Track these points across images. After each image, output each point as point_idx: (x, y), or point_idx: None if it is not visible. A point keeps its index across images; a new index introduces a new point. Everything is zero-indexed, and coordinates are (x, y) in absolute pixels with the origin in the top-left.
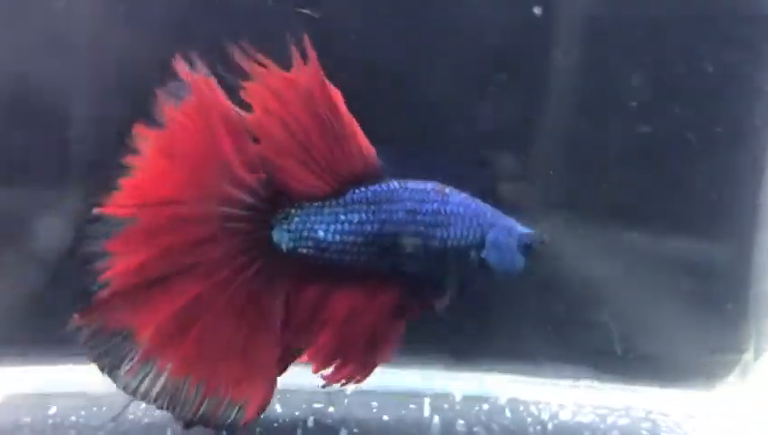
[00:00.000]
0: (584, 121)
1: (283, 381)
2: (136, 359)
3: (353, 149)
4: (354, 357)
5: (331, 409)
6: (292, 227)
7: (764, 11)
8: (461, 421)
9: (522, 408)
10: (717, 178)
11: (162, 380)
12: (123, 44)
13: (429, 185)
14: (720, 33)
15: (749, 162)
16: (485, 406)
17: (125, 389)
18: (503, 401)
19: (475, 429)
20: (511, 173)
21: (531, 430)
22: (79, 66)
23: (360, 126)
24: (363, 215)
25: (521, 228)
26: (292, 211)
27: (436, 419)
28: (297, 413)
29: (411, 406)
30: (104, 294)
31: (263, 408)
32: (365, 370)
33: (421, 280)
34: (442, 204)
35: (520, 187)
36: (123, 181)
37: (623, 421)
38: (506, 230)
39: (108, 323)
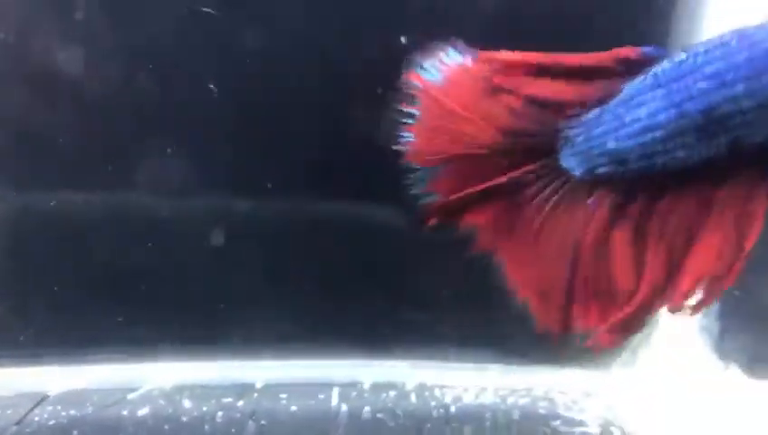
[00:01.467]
0: None
1: (192, 376)
2: None
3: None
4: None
5: (240, 403)
6: (577, 148)
7: None
8: (367, 408)
9: (427, 393)
10: None
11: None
12: None
13: (721, 37)
14: None
15: None
16: (392, 393)
17: None
18: (409, 386)
19: (378, 415)
20: None
21: (434, 413)
22: None
23: None
24: (650, 104)
25: None
26: (572, 131)
27: (344, 407)
28: (205, 408)
29: (320, 396)
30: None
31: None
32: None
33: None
34: (748, 48)
35: None
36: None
37: (523, 401)
38: None
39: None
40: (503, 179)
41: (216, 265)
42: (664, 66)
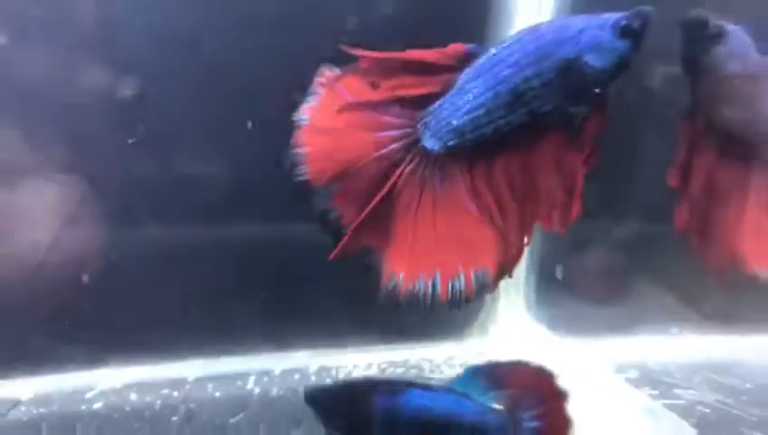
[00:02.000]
0: None
1: (137, 376)
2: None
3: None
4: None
5: (174, 393)
6: (432, 130)
7: None
8: (275, 389)
9: (324, 373)
10: None
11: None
12: None
13: (518, 34)
14: None
15: None
16: (297, 376)
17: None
18: (312, 369)
19: (281, 392)
20: None
21: None
22: None
23: None
24: (474, 90)
25: (612, 17)
26: (427, 118)
27: (257, 390)
28: (147, 399)
29: (238, 383)
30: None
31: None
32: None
33: (559, 118)
34: (535, 40)
35: None
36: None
37: (399, 370)
38: (596, 27)
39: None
40: (386, 179)
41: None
42: (481, 60)
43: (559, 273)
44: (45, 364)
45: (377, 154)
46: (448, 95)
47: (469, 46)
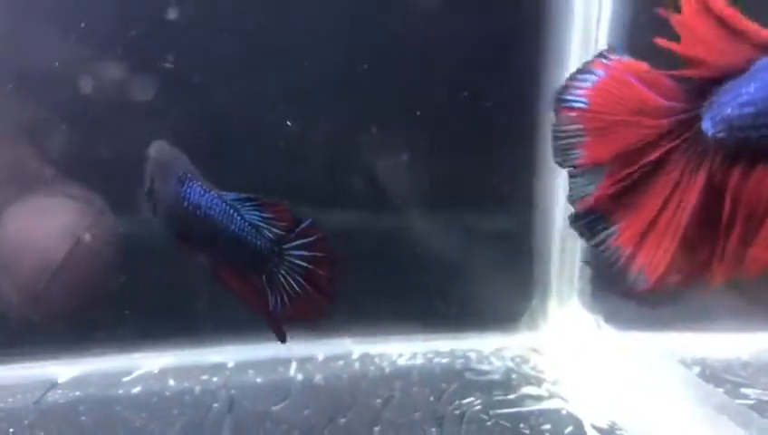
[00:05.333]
0: None
1: (175, 361)
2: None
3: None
4: None
5: (215, 378)
6: (711, 114)
7: None
8: (319, 376)
9: (368, 361)
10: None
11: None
12: None
13: None
14: None
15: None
16: (341, 362)
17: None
18: (355, 356)
19: (324, 379)
20: None
21: (371, 374)
22: None
23: None
24: (756, 83)
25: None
26: (713, 99)
27: (300, 376)
28: (186, 384)
29: (280, 369)
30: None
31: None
32: None
33: None
34: None
35: None
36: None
37: (445, 360)
38: None
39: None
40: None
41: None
42: None
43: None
44: (84, 348)
45: (653, 139)
46: (737, 80)
47: None
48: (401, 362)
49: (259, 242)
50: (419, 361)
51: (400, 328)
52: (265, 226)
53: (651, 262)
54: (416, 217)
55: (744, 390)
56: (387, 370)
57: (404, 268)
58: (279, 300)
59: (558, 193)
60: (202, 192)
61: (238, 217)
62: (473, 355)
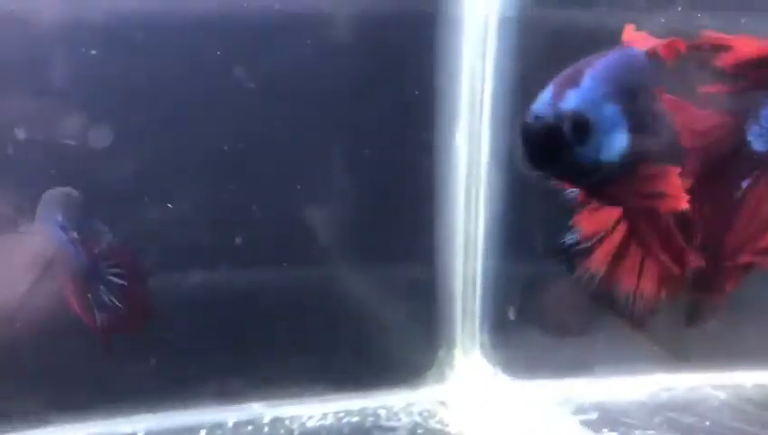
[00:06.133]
0: None
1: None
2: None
3: None
4: None
5: None
6: (760, 124)
7: None
8: None
9: (278, 424)
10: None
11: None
12: None
13: None
14: None
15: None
16: (250, 427)
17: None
18: (266, 420)
19: None
20: None
21: None
22: None
23: None
24: None
25: None
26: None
27: None
28: None
29: None
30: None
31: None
32: None
33: None
34: None
35: None
36: None
37: (355, 419)
38: None
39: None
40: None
41: None
42: None
43: (511, 314)
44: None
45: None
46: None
47: None
48: (311, 423)
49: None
50: (329, 421)
51: (312, 388)
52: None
53: None
54: (323, 273)
55: (636, 432)
56: (295, 432)
57: (314, 326)
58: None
59: (457, 250)
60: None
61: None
62: (382, 412)
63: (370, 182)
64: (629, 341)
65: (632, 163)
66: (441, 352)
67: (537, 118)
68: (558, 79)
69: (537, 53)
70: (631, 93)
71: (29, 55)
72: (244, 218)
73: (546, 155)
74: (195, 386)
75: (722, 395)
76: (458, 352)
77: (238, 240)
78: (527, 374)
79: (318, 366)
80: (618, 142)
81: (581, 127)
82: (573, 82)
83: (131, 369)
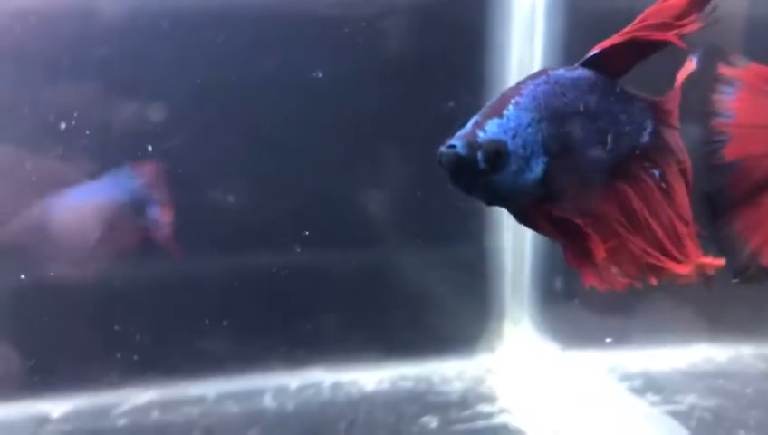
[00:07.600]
0: None
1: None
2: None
3: None
4: None
5: (195, 410)
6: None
7: None
8: (291, 404)
9: (338, 388)
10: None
11: None
12: None
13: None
14: None
15: None
16: (312, 391)
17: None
18: (326, 384)
19: (297, 407)
20: None
21: (338, 400)
22: None
23: None
24: None
25: None
26: None
27: (274, 405)
28: (170, 416)
29: (256, 399)
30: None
31: None
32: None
33: None
34: None
35: None
36: None
37: (408, 384)
38: None
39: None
40: None
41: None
42: None
43: (559, 284)
44: (75, 383)
45: None
46: None
47: None
48: (368, 387)
49: None
50: (386, 386)
51: (371, 356)
52: None
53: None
54: (383, 252)
55: (677, 396)
56: (354, 396)
57: (373, 301)
58: None
59: (506, 228)
60: None
61: None
62: (436, 379)
63: (426, 169)
64: (671, 313)
65: (555, 189)
66: (491, 324)
67: (449, 147)
68: (484, 109)
69: (584, 35)
70: (557, 118)
71: (121, 48)
72: (311, 203)
73: (460, 182)
74: (261, 353)
75: (762, 365)
76: (508, 324)
77: (306, 224)
78: (573, 344)
79: (376, 336)
80: (536, 168)
81: (495, 156)
82: (497, 111)
83: (207, 334)
